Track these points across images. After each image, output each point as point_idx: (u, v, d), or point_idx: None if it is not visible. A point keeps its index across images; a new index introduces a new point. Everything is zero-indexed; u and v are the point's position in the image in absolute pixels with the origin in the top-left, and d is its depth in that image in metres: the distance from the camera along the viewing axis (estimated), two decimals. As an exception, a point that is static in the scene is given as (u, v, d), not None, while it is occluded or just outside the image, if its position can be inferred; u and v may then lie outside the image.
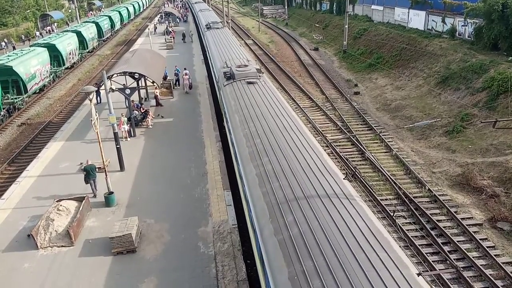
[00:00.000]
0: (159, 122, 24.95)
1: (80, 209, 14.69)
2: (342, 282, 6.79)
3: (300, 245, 7.95)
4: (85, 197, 15.50)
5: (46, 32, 68.14)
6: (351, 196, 9.40)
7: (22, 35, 65.97)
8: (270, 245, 8.66)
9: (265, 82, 18.64)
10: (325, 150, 24.21)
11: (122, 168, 18.80)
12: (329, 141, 25.17)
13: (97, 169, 16.91)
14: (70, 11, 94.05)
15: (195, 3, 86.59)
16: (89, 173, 16.55)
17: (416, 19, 42.90)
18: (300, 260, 7.56)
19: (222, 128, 23.19)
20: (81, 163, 18.96)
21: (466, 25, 35.13)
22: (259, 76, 19.10)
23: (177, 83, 32.90)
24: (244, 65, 20.68)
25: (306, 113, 30.52)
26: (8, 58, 32.92)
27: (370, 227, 8.21)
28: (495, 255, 15.07)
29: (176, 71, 33.23)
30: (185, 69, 33.24)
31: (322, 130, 27.22)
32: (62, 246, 13.70)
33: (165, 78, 30.80)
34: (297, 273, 7.35)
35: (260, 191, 10.30)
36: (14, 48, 53.50)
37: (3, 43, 59.11)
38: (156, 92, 27.65)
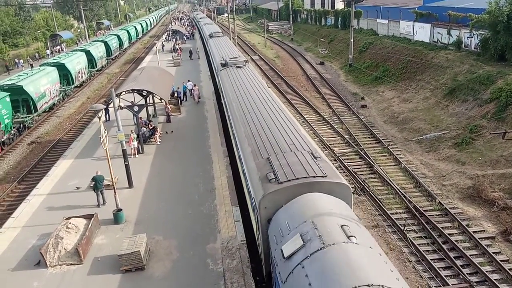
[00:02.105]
0: (167, 138, 25.10)
1: (89, 226, 14.72)
2: None
3: None
4: (94, 214, 15.55)
5: (56, 52, 69.47)
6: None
7: (36, 54, 67.56)
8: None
9: (248, 67, 26.89)
10: (333, 164, 24.24)
11: (130, 185, 18.86)
12: (337, 155, 25.08)
13: (104, 183, 17.32)
14: (79, 30, 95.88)
15: (201, 18, 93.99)
16: (96, 183, 17.18)
17: (422, 32, 43.04)
18: None
19: (229, 143, 23.25)
20: (77, 188, 19.09)
21: (472, 37, 35.14)
22: (245, 64, 27.54)
23: (184, 97, 33.65)
24: (235, 57, 29.47)
25: (313, 127, 30.52)
26: (19, 78, 33.51)
27: None
28: (509, 269, 14.78)
29: (183, 88, 33.84)
30: (189, 81, 35.07)
31: (330, 144, 27.16)
32: (71, 264, 13.68)
33: (172, 95, 31.16)
34: None
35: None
36: (31, 66, 54.97)
37: (21, 61, 61.11)
38: (168, 109, 28.03)
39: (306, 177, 10.61)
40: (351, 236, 8.04)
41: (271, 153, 12.46)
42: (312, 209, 9.37)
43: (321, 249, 7.86)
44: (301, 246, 8.28)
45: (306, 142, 13.21)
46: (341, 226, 8.40)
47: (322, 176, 10.65)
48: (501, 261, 15.23)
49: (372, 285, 6.78)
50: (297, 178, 10.60)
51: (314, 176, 10.61)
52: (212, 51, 39.36)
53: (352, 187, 20.62)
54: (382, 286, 6.79)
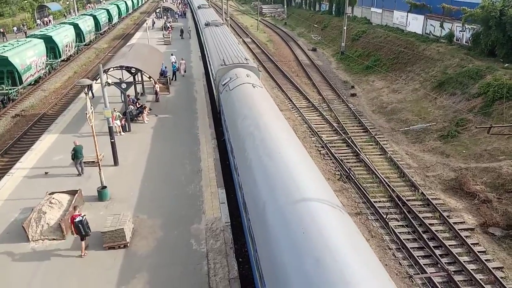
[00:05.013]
0: (154, 117, 24.86)
1: (73, 202, 14.59)
2: None
3: None
4: (78, 190, 15.41)
5: (44, 24, 67.65)
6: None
7: (24, 24, 65.84)
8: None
9: (224, 26, 40.43)
10: (320, 151, 24.41)
11: (116, 162, 18.69)
12: (325, 142, 25.19)
13: (89, 159, 17.52)
14: (68, 3, 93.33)
15: None
16: (76, 153, 17.45)
17: (415, 23, 43.04)
18: None
19: (218, 125, 23.17)
20: (46, 173, 18.17)
21: (464, 31, 35.30)
22: (221, 24, 41.24)
23: (174, 77, 33.33)
24: (215, 20, 43.12)
25: (302, 113, 30.54)
26: (4, 49, 32.60)
27: None
28: (485, 260, 15.17)
29: (173, 68, 33.56)
30: (172, 54, 36.23)
31: (318, 131, 27.23)
32: (54, 239, 13.61)
33: (162, 74, 30.73)
34: None
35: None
36: (25, 34, 53.78)
37: (15, 28, 60.56)
38: (156, 88, 27.63)
39: (238, 63, 22.28)
40: (249, 77, 19.44)
41: (224, 58, 23.66)
42: (237, 73, 20.23)
43: (235, 79, 19.38)
44: (229, 79, 19.95)
45: (243, 55, 24.82)
46: (246, 74, 19.94)
47: (245, 63, 22.41)
48: (478, 252, 15.61)
49: (255, 84, 18.29)
50: (233, 63, 22.26)
51: (241, 63, 22.30)
52: (199, 18, 53.51)
53: (338, 175, 20.80)
54: (255, 84, 18.35)
